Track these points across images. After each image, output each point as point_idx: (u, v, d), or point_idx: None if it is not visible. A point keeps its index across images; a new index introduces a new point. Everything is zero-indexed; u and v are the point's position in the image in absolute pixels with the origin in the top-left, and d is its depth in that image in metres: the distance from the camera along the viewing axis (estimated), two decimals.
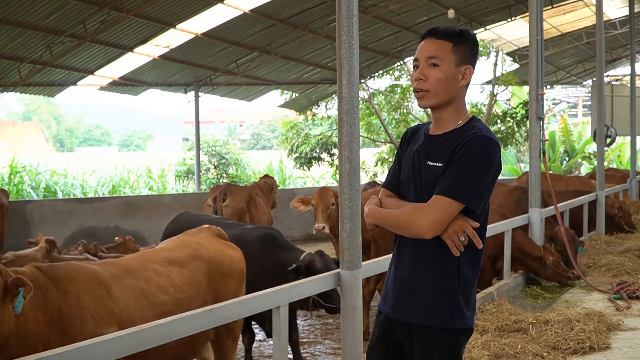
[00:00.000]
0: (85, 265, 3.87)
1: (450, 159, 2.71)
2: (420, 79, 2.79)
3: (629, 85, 18.82)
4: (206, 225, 5.14)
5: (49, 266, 3.67)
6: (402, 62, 19.57)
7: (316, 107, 22.13)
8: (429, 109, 2.88)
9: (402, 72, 20.60)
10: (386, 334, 2.90)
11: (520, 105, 20.14)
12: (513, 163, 27.63)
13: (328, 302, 5.71)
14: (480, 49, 20.50)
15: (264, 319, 5.96)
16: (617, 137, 19.83)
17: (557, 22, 19.55)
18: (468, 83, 2.84)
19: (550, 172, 14.46)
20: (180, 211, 15.01)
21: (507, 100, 22.40)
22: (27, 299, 3.27)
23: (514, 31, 19.26)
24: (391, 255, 3.00)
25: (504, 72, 20.92)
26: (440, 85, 2.77)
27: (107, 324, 3.63)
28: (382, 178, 21.02)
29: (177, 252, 4.46)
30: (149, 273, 4.11)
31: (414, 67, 2.87)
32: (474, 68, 2.83)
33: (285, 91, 20.94)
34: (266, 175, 12.17)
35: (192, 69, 16.96)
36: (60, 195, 20.33)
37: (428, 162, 2.77)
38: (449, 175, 2.69)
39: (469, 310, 2.78)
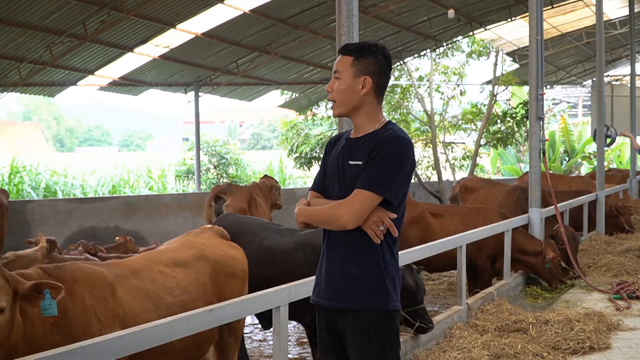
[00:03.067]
0: (91, 266, 3.84)
1: (369, 157, 2.97)
2: (329, 91, 3.10)
3: (629, 85, 18.81)
4: (208, 225, 5.12)
5: (55, 267, 3.65)
6: (402, 62, 19.56)
7: (316, 107, 22.12)
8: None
9: (402, 72, 20.58)
10: (329, 325, 3.10)
11: (520, 105, 20.12)
12: (513, 163, 27.63)
13: (416, 320, 5.43)
14: (480, 49, 20.52)
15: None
16: (617, 137, 19.82)
17: (557, 22, 19.55)
18: (376, 92, 3.07)
19: (551, 172, 14.47)
20: (180, 211, 15.15)
21: (507, 100, 22.38)
22: (57, 299, 3.31)
23: (514, 31, 19.26)
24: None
25: (504, 72, 20.90)
26: (340, 95, 3.06)
27: (112, 325, 3.61)
28: None
29: (182, 253, 4.42)
30: (155, 274, 4.07)
31: None
32: (376, 78, 3.05)
33: (285, 91, 20.92)
34: (265, 176, 12.14)
35: (192, 69, 16.96)
36: (60, 195, 20.32)
37: (349, 162, 3.03)
38: (367, 171, 2.95)
39: (395, 294, 3.04)
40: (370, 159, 2.96)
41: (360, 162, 2.99)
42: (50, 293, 3.28)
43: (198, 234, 4.83)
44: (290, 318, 5.86)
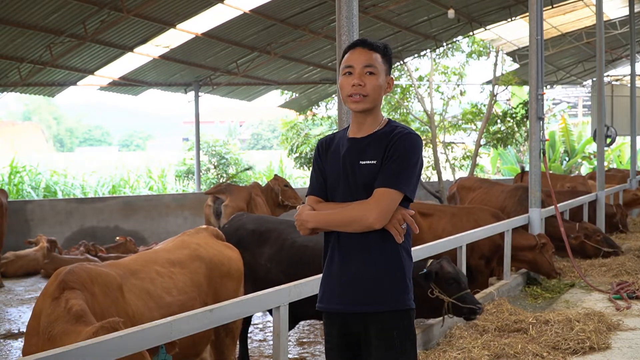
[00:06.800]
0: (100, 267, 3.86)
1: (385, 155, 2.94)
2: (360, 84, 3.00)
3: (629, 85, 18.81)
4: (204, 226, 5.12)
5: (76, 267, 3.67)
6: (402, 62, 19.57)
7: (316, 107, 22.13)
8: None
9: (402, 72, 20.59)
10: (343, 331, 3.03)
11: (520, 105, 20.12)
12: (513, 163, 27.59)
13: (465, 304, 5.36)
14: (480, 49, 20.52)
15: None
16: (617, 137, 19.82)
17: (557, 22, 19.54)
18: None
19: (551, 172, 14.47)
20: (180, 211, 15.15)
21: (507, 100, 22.39)
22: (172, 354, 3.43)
23: (514, 31, 19.25)
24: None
25: (504, 72, 20.90)
26: (375, 91, 3.02)
27: (125, 325, 3.64)
28: None
29: (176, 253, 4.43)
30: (152, 274, 4.08)
31: (345, 74, 3.05)
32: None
33: (285, 91, 20.93)
34: (276, 176, 12.03)
35: (192, 69, 16.96)
36: (60, 195, 20.31)
37: (361, 162, 2.98)
38: (387, 170, 2.93)
39: (412, 291, 3.05)
40: (386, 157, 2.94)
41: (374, 161, 2.96)
42: (165, 348, 3.38)
43: (193, 234, 4.84)
44: (311, 317, 5.86)
